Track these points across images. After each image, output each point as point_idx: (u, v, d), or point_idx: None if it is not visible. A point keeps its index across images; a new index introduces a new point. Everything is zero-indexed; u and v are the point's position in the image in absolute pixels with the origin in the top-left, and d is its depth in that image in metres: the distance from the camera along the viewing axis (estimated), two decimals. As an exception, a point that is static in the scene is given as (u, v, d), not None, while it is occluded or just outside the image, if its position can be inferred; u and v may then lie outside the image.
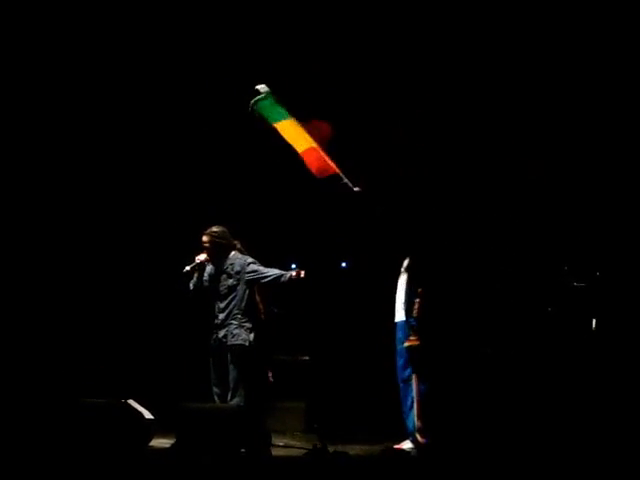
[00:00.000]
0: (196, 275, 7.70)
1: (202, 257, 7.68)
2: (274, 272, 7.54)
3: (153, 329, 9.69)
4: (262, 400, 7.93)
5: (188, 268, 7.64)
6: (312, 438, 7.81)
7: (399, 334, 7.48)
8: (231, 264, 7.65)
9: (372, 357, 9.10)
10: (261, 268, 7.60)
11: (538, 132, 8.16)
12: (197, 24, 8.76)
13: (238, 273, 7.63)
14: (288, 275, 7.43)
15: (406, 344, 7.26)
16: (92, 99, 8.98)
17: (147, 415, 7.47)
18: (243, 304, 7.60)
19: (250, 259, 7.66)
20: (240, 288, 7.63)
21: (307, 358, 9.51)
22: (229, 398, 7.51)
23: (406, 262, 7.62)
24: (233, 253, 7.69)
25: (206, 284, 7.75)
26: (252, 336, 7.54)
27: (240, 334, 7.53)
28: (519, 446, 6.78)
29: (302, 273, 7.32)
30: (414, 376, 7.19)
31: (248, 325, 7.57)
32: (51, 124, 8.98)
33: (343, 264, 10.18)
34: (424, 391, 7.16)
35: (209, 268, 7.75)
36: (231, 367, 7.52)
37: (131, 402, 7.51)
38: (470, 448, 6.70)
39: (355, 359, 9.64)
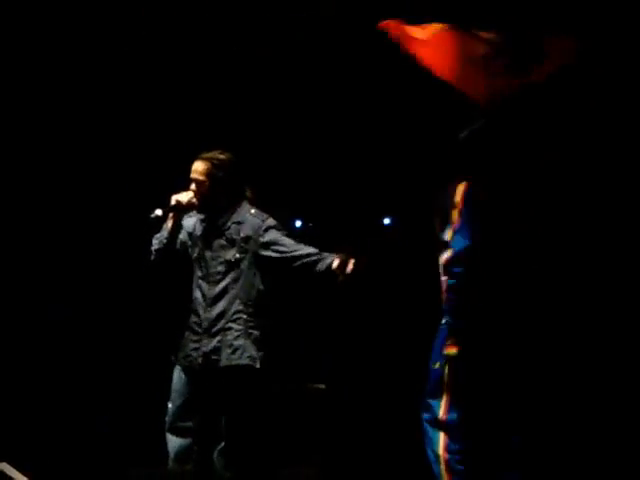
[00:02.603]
0: (168, 227, 5.12)
1: (184, 197, 5.12)
2: (308, 251, 5.09)
3: (70, 324, 6.84)
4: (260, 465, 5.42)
5: (159, 212, 5.12)
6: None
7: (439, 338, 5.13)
8: (237, 223, 5.17)
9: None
10: (288, 240, 5.16)
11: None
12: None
13: (247, 241, 5.14)
14: (327, 262, 4.98)
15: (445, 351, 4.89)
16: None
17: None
18: (253, 294, 5.13)
19: (271, 220, 5.21)
20: (247, 267, 5.14)
21: (322, 387, 6.95)
22: (216, 453, 5.06)
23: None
24: (242, 205, 5.24)
25: (180, 247, 5.16)
26: (262, 354, 5.14)
27: (246, 348, 5.09)
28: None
29: (351, 263, 4.89)
30: (441, 407, 4.53)
31: (257, 333, 5.13)
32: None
33: (386, 220, 7.54)
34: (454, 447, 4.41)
35: (191, 221, 5.18)
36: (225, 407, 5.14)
37: (3, 466, 5.19)
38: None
39: (400, 387, 6.91)
